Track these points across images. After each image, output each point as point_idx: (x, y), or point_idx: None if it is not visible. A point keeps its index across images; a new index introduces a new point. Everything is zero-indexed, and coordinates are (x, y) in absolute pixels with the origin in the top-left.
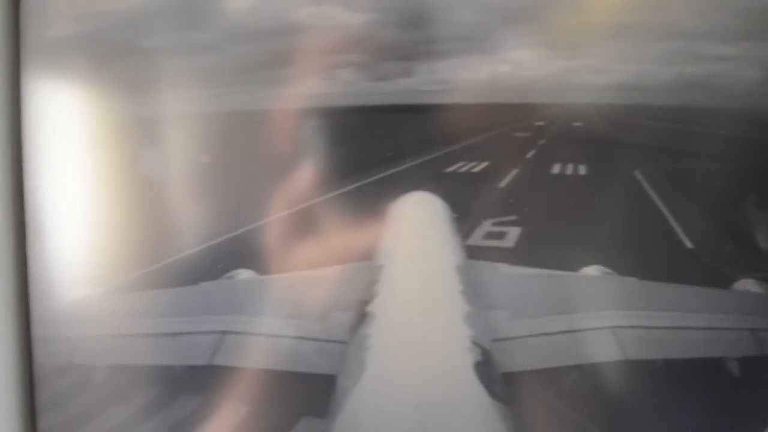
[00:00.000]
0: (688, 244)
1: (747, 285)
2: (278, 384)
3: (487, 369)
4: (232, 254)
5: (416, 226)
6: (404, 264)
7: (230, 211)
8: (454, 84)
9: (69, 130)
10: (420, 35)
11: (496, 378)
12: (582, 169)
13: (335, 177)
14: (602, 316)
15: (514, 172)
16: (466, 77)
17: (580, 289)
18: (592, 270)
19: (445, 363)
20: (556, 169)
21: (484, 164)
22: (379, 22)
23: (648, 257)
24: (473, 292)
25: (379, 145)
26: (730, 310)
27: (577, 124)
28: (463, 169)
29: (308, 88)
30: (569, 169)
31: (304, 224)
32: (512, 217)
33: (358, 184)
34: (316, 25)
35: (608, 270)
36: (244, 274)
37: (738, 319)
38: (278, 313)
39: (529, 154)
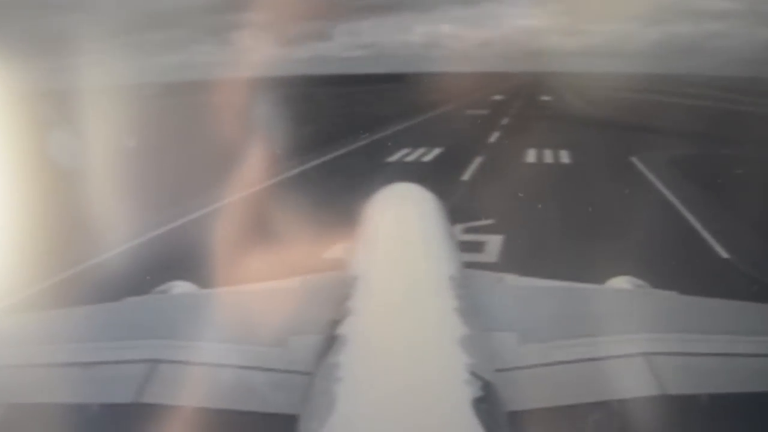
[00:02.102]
0: (723, 254)
1: None
2: (224, 427)
3: (489, 407)
4: (165, 259)
5: (399, 228)
6: (384, 275)
7: (160, 202)
8: (382, 49)
9: None
10: None
11: (501, 418)
12: (564, 156)
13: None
14: (634, 340)
15: (477, 161)
16: (397, 40)
17: (606, 306)
18: (621, 282)
19: (436, 399)
20: (531, 156)
21: (437, 151)
22: None
23: (676, 271)
24: (472, 309)
25: (298, 128)
26: None
27: (546, 98)
28: (410, 158)
29: (196, 55)
30: (548, 157)
31: (247, 216)
32: (487, 222)
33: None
34: None
35: (641, 282)
36: (181, 287)
37: None
38: (225, 336)
39: (493, 137)
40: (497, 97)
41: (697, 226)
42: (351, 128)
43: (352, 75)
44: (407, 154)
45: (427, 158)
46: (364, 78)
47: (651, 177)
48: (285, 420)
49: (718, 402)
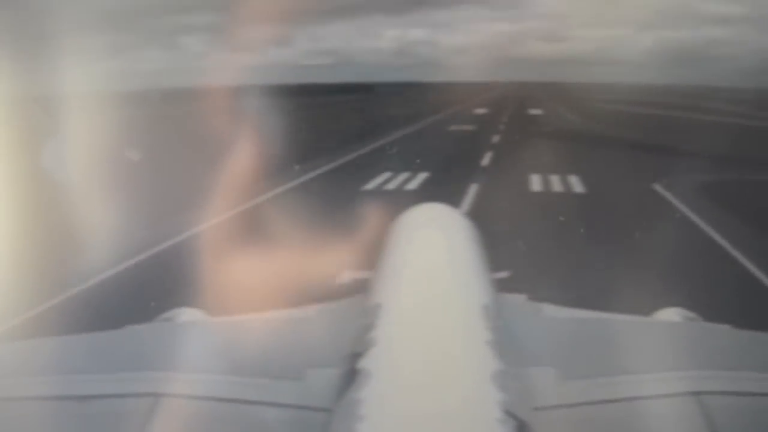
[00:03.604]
0: None
1: None
2: None
3: None
4: (169, 281)
5: (428, 252)
6: (411, 303)
7: (160, 217)
8: (349, 56)
9: None
10: None
11: None
12: (576, 184)
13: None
14: (683, 378)
15: (472, 191)
16: (366, 46)
17: (653, 340)
18: (670, 314)
19: None
20: (535, 183)
21: (422, 176)
22: None
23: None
24: (507, 342)
25: (257, 147)
26: None
27: (535, 111)
28: (392, 186)
29: (139, 61)
30: (556, 184)
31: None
32: (502, 274)
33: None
34: None
35: (692, 314)
36: (187, 314)
37: None
38: (235, 369)
39: (485, 160)
40: (481, 111)
41: (748, 264)
42: (317, 148)
43: (316, 84)
44: (388, 180)
45: (412, 185)
46: (329, 88)
47: (684, 209)
48: None
49: None
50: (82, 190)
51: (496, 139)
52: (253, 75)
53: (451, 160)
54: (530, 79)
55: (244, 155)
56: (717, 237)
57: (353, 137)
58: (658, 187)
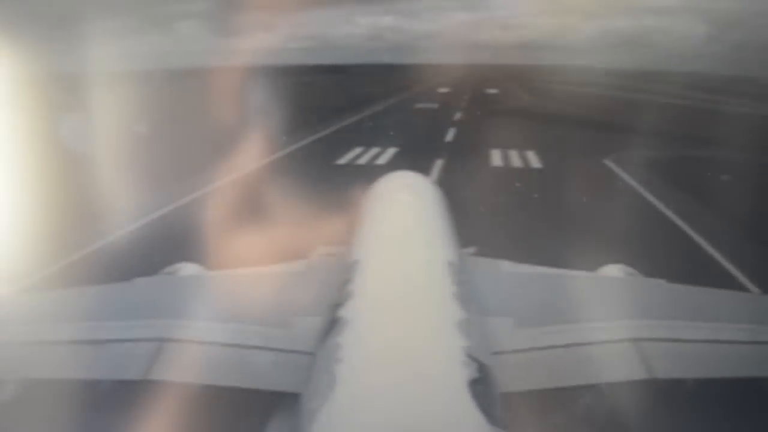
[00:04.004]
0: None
1: None
2: (228, 405)
3: (485, 388)
4: (171, 239)
5: (399, 214)
6: (384, 260)
7: (166, 182)
8: (324, 40)
9: None
10: None
11: (496, 399)
12: (533, 159)
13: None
14: (623, 326)
15: (438, 166)
16: (342, 32)
17: (597, 293)
18: (612, 269)
19: (434, 381)
20: (496, 158)
21: (392, 151)
22: None
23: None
24: (469, 294)
25: (228, 123)
26: None
27: (492, 90)
28: (363, 160)
29: (143, 45)
30: (515, 159)
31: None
32: (469, 250)
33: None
34: None
35: (632, 270)
36: (188, 268)
37: None
38: (230, 316)
39: (449, 136)
40: (444, 90)
41: (704, 245)
42: (300, 122)
43: (299, 66)
44: (360, 155)
45: (382, 160)
46: (310, 69)
47: (635, 185)
48: (287, 398)
49: (704, 386)
50: (94, 158)
51: (458, 116)
52: (242, 57)
53: (417, 136)
54: (487, 62)
55: (239, 128)
56: (657, 203)
57: (331, 112)
58: (608, 162)
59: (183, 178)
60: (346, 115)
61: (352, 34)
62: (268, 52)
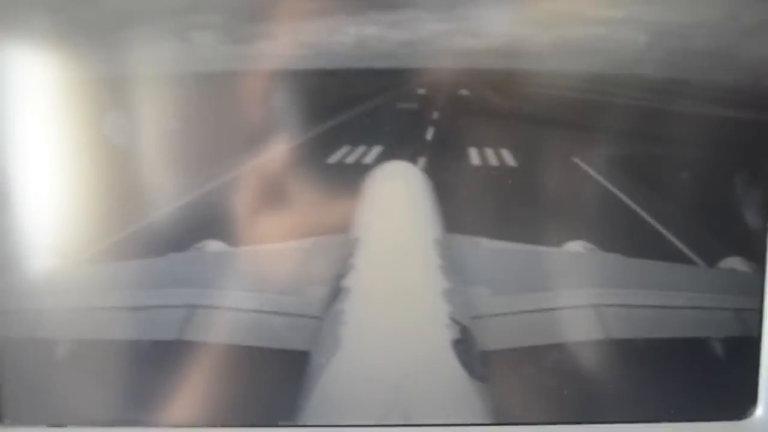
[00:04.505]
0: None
1: (733, 263)
2: (248, 360)
3: (466, 347)
4: (200, 221)
5: (394, 198)
6: (381, 237)
7: (196, 170)
8: (317, 48)
9: (32, 94)
10: None
11: (476, 356)
12: (507, 157)
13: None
14: (584, 294)
15: (421, 162)
16: (331, 40)
17: (562, 265)
18: (575, 246)
19: (422, 340)
20: (474, 157)
21: (377, 149)
22: None
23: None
24: (453, 266)
25: (243, 122)
26: (715, 290)
27: (464, 92)
28: (351, 158)
29: (163, 51)
30: (491, 157)
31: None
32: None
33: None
34: None
35: (592, 245)
36: (213, 245)
37: (722, 299)
38: (250, 286)
39: (429, 134)
40: (421, 91)
41: (652, 222)
42: (295, 121)
43: (293, 70)
44: (348, 153)
45: (369, 159)
46: (302, 72)
47: (600, 179)
48: (298, 355)
49: (651, 344)
50: (135, 149)
51: (435, 115)
52: (248, 62)
53: (400, 134)
54: (459, 66)
55: (253, 122)
56: (618, 192)
57: (320, 112)
58: (576, 160)
59: (208, 166)
60: (334, 114)
61: (340, 42)
62: (269, 57)
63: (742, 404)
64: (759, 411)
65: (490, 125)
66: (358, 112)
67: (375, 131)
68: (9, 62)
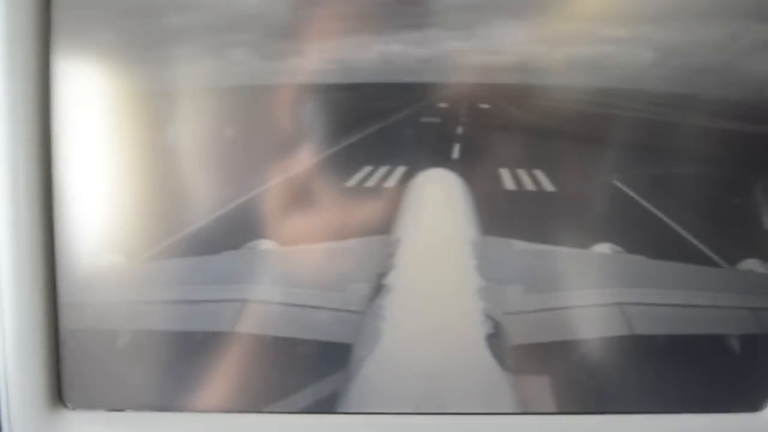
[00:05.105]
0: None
1: (751, 265)
2: (296, 351)
3: (498, 341)
4: (252, 222)
5: (434, 202)
6: (421, 238)
7: (244, 178)
8: (344, 63)
9: (95, 102)
10: (311, 13)
11: (507, 350)
12: (542, 179)
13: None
14: (611, 293)
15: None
16: (357, 57)
17: (590, 266)
18: (602, 248)
19: (458, 334)
20: (507, 179)
21: (401, 170)
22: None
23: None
24: (488, 266)
25: (281, 131)
26: (734, 290)
27: (484, 106)
28: (372, 181)
29: (201, 67)
30: (526, 180)
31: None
32: None
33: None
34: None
35: (618, 248)
36: (264, 244)
37: (741, 298)
38: (297, 283)
39: (455, 152)
40: (443, 105)
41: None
42: (318, 137)
43: (323, 84)
44: (370, 174)
45: (391, 182)
46: (329, 87)
47: (639, 198)
48: (342, 347)
49: (672, 340)
50: (191, 157)
51: (460, 130)
52: (280, 77)
53: (424, 152)
54: (477, 81)
55: (289, 132)
56: (647, 204)
57: (343, 126)
58: (618, 184)
59: (257, 171)
60: (357, 129)
61: (366, 58)
62: (300, 72)
63: (757, 397)
64: None
65: (516, 142)
66: (380, 126)
67: (398, 148)
68: (78, 74)
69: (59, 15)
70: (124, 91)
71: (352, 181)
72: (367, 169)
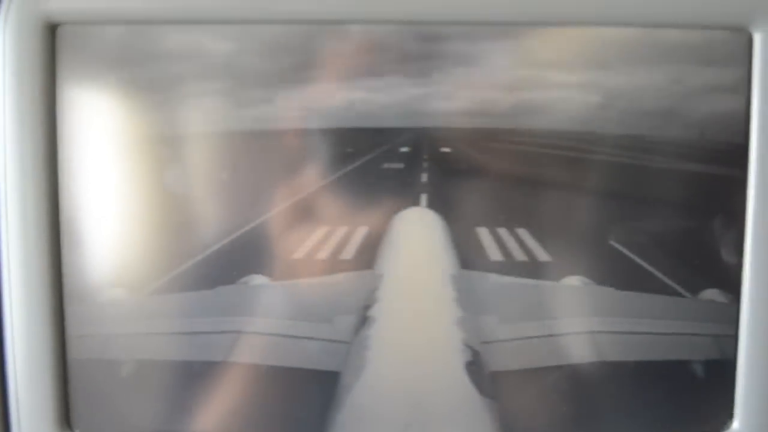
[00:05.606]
0: None
1: (712, 295)
2: (286, 379)
3: (476, 368)
4: (245, 259)
5: (414, 239)
6: (403, 273)
7: (242, 210)
8: (310, 110)
9: (102, 145)
10: (281, 64)
11: (485, 376)
12: (530, 242)
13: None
14: (581, 322)
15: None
16: (322, 104)
17: (562, 297)
18: (572, 280)
19: (438, 363)
20: (490, 246)
21: (361, 231)
22: (243, 51)
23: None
24: (466, 299)
25: (263, 175)
26: (696, 318)
27: (446, 149)
28: (324, 253)
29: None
30: (511, 245)
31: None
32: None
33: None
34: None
35: (588, 280)
36: (257, 279)
37: (703, 326)
38: (288, 315)
39: (423, 204)
40: (405, 149)
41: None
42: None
43: (291, 129)
44: (324, 240)
45: (348, 254)
46: (298, 131)
47: (641, 261)
48: (330, 375)
49: (640, 366)
50: (191, 199)
51: (425, 178)
52: (255, 124)
53: (390, 202)
54: (433, 125)
55: (268, 176)
56: (665, 278)
57: (317, 168)
58: (615, 245)
59: (251, 205)
60: (308, 184)
61: (330, 105)
62: (270, 120)
63: (720, 419)
64: (735, 424)
65: (488, 191)
66: (339, 175)
67: (359, 203)
68: (82, 116)
69: (64, 58)
70: (128, 132)
71: (300, 253)
72: (323, 229)
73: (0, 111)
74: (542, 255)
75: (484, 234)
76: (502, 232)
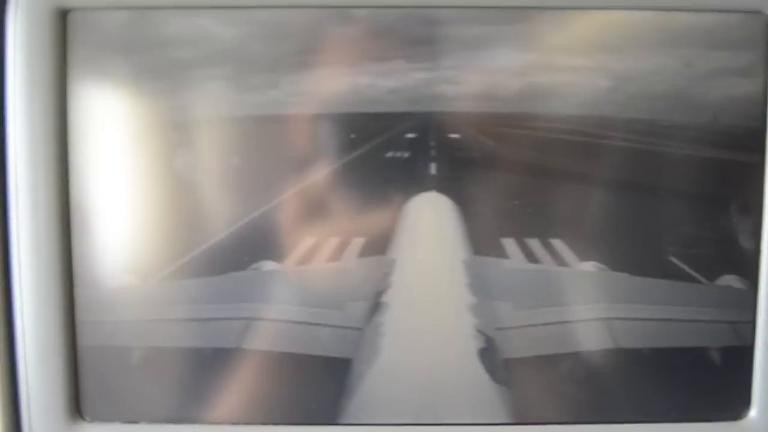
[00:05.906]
0: None
1: (729, 281)
2: (298, 366)
3: (490, 355)
4: (256, 244)
5: (428, 224)
6: (416, 258)
7: (252, 194)
8: (317, 95)
9: (112, 131)
10: (286, 49)
11: (499, 363)
12: (570, 259)
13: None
14: (596, 308)
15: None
16: (327, 89)
17: (577, 283)
18: (588, 266)
19: (451, 349)
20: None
21: (358, 241)
22: (248, 35)
23: None
24: (479, 284)
25: (271, 160)
26: (713, 304)
27: (454, 135)
28: (336, 239)
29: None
30: (547, 261)
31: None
32: None
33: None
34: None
35: (603, 266)
36: (268, 265)
37: (719, 312)
38: (300, 301)
39: (434, 190)
40: (411, 135)
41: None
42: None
43: (295, 113)
44: (313, 251)
45: (360, 240)
46: (299, 116)
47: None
48: (342, 362)
49: (655, 353)
50: (201, 184)
51: (433, 170)
52: (258, 108)
53: (393, 201)
54: (440, 109)
55: (275, 162)
56: (681, 264)
57: (297, 164)
58: (629, 229)
59: (260, 190)
60: (304, 176)
61: (337, 89)
62: (277, 104)
63: (737, 407)
64: (753, 413)
65: (504, 184)
66: (338, 166)
67: (359, 203)
68: (93, 102)
69: (75, 44)
70: (137, 118)
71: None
72: (335, 215)
73: (11, 96)
74: (557, 243)
75: (497, 221)
76: (516, 215)
